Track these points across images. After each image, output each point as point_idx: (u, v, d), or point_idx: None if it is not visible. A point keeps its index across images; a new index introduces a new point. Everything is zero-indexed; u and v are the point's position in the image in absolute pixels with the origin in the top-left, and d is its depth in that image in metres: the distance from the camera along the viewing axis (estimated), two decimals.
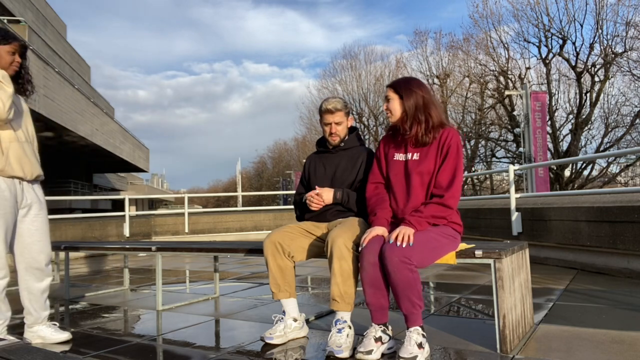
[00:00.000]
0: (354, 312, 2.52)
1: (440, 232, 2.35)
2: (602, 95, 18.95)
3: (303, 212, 2.93)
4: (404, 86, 2.46)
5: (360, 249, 2.32)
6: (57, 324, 2.88)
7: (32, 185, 2.72)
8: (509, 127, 21.18)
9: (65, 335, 2.81)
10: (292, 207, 3.07)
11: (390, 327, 2.41)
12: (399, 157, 2.51)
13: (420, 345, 2.19)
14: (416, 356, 2.14)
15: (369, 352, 2.24)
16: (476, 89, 22.54)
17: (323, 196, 2.75)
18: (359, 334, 2.65)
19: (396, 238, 2.20)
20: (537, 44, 19.79)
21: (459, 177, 2.39)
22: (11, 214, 2.57)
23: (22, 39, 2.63)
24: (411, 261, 2.16)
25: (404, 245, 2.17)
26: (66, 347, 2.73)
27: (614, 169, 20.66)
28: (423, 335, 2.23)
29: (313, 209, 2.77)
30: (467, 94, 22.90)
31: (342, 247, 2.37)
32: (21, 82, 2.70)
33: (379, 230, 2.34)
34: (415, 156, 2.45)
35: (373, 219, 2.45)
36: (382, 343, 2.31)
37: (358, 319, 3.00)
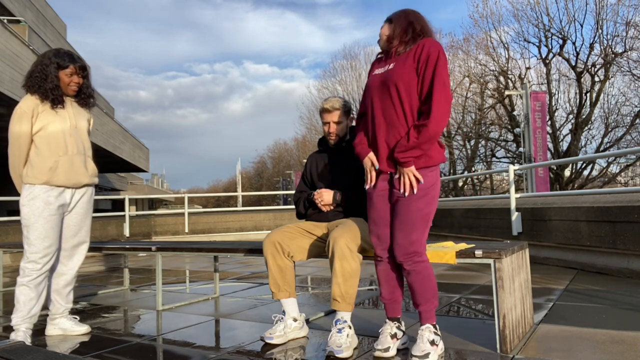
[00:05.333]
0: (354, 312, 2.52)
1: (421, 196, 2.21)
2: (602, 95, 18.93)
3: (307, 209, 2.92)
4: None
5: (366, 186, 2.36)
6: (77, 317, 3.12)
7: (81, 191, 3.01)
8: (509, 127, 21.17)
9: (85, 328, 3.03)
10: (292, 207, 3.07)
11: (403, 323, 2.44)
12: (379, 71, 2.37)
13: (433, 343, 2.21)
14: (429, 353, 2.15)
15: (387, 350, 2.27)
16: (476, 89, 22.51)
17: (323, 197, 2.76)
18: (359, 334, 2.65)
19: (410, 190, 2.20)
20: (537, 44, 19.77)
21: (443, 91, 2.15)
22: (56, 215, 2.85)
23: (82, 60, 3.00)
24: (422, 253, 2.19)
25: (415, 192, 2.18)
26: (86, 339, 2.88)
27: (614, 169, 20.65)
28: (436, 333, 2.26)
29: (325, 210, 2.80)
30: (467, 94, 22.87)
31: (343, 247, 2.37)
32: (83, 96, 3.02)
33: (368, 162, 2.34)
34: (391, 66, 2.30)
35: (356, 153, 2.41)
36: (397, 339, 2.34)
37: (358, 319, 3.00)
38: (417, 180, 2.20)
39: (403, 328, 2.41)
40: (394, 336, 2.33)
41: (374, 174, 2.34)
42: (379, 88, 2.31)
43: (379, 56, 2.49)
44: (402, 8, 2.43)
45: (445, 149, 2.36)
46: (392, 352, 2.28)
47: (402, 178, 2.22)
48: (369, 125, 2.37)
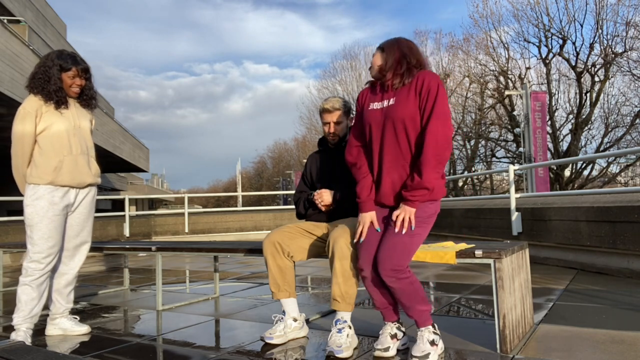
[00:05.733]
0: (354, 312, 2.52)
1: (418, 224, 2.23)
2: (602, 95, 18.94)
3: (307, 209, 2.92)
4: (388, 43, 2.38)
5: (355, 241, 2.33)
6: (78, 317, 3.13)
7: (84, 191, 3.02)
8: (509, 127, 21.17)
9: (85, 329, 3.03)
10: (292, 207, 3.06)
11: (403, 323, 2.44)
12: (377, 105, 2.33)
13: (432, 343, 2.22)
14: (429, 353, 2.16)
15: (387, 349, 2.27)
16: (476, 89, 22.52)
17: (323, 197, 2.76)
18: (359, 334, 2.65)
19: (401, 225, 2.19)
20: (537, 44, 19.79)
21: (445, 128, 2.17)
22: (60, 215, 2.86)
23: (85, 62, 3.01)
24: (405, 271, 2.18)
25: (403, 232, 2.16)
26: (86, 339, 2.88)
27: (614, 169, 20.65)
28: (435, 333, 2.27)
29: (324, 210, 2.79)
30: (467, 94, 22.88)
31: (343, 247, 2.37)
32: (85, 97, 3.04)
33: (367, 219, 2.31)
34: (392, 101, 2.27)
35: (358, 202, 2.37)
36: (398, 339, 2.34)
37: (358, 319, 3.00)
38: (410, 223, 2.19)
39: (403, 329, 2.41)
40: (394, 336, 2.34)
41: (365, 230, 2.30)
42: (382, 124, 2.29)
43: (367, 85, 2.47)
44: (394, 37, 2.40)
45: (445, 180, 2.36)
46: (392, 352, 2.29)
47: (399, 213, 2.21)
48: (374, 162, 2.34)
